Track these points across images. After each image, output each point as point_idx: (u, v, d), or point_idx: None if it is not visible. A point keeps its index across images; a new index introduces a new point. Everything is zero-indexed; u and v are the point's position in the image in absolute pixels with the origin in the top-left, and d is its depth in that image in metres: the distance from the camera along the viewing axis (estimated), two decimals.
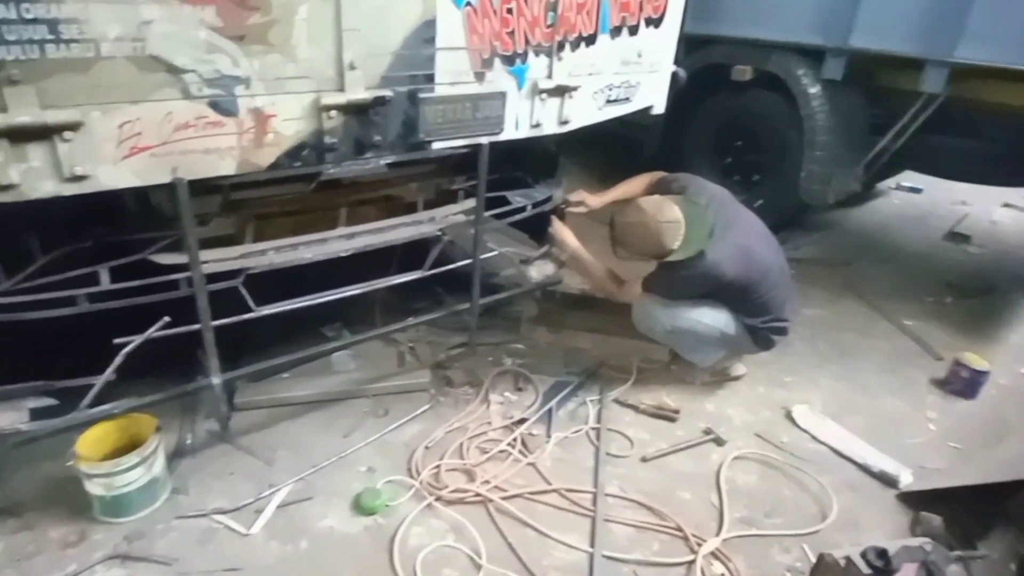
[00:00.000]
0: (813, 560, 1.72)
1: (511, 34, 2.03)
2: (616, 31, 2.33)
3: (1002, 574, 1.86)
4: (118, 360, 1.74)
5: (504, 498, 1.97)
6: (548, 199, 2.74)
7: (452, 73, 1.97)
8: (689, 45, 3.62)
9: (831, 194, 3.60)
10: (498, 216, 2.54)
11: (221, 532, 1.81)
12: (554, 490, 2.03)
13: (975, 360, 2.64)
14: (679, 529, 1.91)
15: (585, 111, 2.40)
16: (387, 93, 1.84)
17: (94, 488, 1.75)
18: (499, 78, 2.07)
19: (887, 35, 3.12)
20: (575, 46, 2.22)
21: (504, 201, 2.59)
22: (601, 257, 2.54)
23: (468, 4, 1.90)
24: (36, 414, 1.77)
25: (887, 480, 2.16)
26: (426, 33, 1.86)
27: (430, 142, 2.02)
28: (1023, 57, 2.74)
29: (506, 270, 3.21)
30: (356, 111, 1.82)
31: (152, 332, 1.78)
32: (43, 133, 1.39)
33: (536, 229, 2.93)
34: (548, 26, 2.10)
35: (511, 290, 2.80)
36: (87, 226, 1.78)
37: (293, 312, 2.05)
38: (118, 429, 1.88)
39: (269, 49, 1.62)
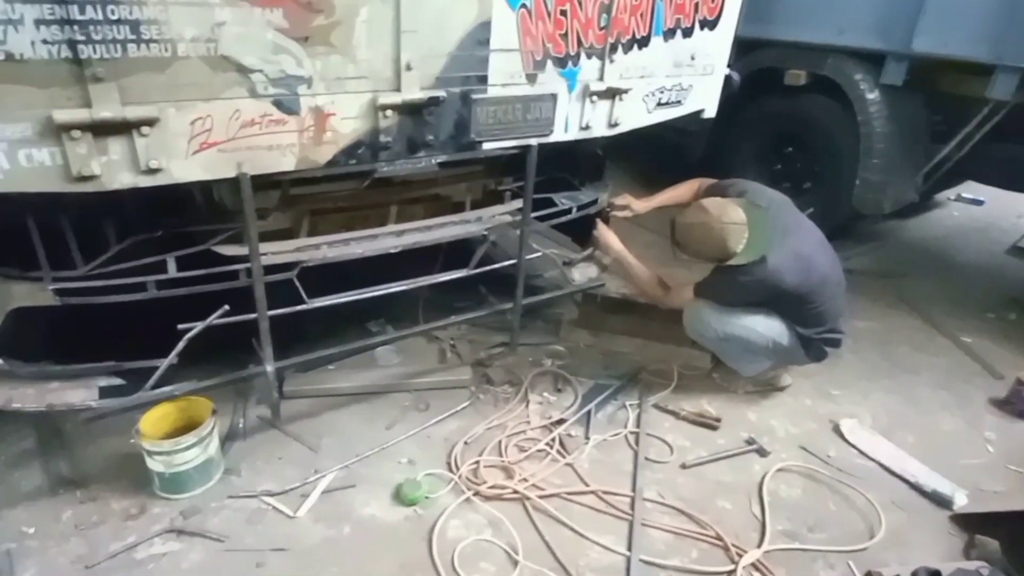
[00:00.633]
0: None
1: (564, 36, 2.05)
2: (670, 33, 2.32)
3: None
4: (181, 345, 1.83)
5: (541, 496, 1.98)
6: (593, 202, 2.74)
7: (504, 74, 2.00)
8: (740, 48, 3.56)
9: (887, 203, 3.50)
10: (544, 218, 2.56)
11: (269, 513, 1.88)
12: (592, 491, 2.03)
13: None
14: (719, 538, 1.88)
15: (635, 114, 2.40)
16: (441, 94, 1.88)
17: (155, 465, 1.84)
18: (550, 80, 2.09)
19: (953, 39, 3.01)
20: (627, 48, 2.22)
21: (550, 203, 2.61)
22: (645, 262, 2.53)
23: (523, 6, 1.92)
24: (105, 392, 1.88)
25: (940, 500, 2.09)
26: (481, 35, 1.89)
27: (480, 142, 2.05)
28: None
29: (548, 272, 3.23)
30: (411, 111, 1.86)
31: (213, 319, 1.86)
32: (123, 128, 1.48)
33: (579, 232, 2.94)
34: (601, 28, 2.10)
35: (553, 292, 2.81)
36: (157, 217, 1.88)
37: (339, 306, 2.11)
38: (177, 410, 1.98)
39: (331, 50, 1.68)
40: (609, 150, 2.91)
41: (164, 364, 1.82)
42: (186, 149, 1.58)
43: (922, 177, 3.54)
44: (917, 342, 3.05)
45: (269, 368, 1.96)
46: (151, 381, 1.82)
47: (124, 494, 1.90)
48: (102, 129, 1.45)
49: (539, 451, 2.18)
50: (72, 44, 1.36)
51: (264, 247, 1.90)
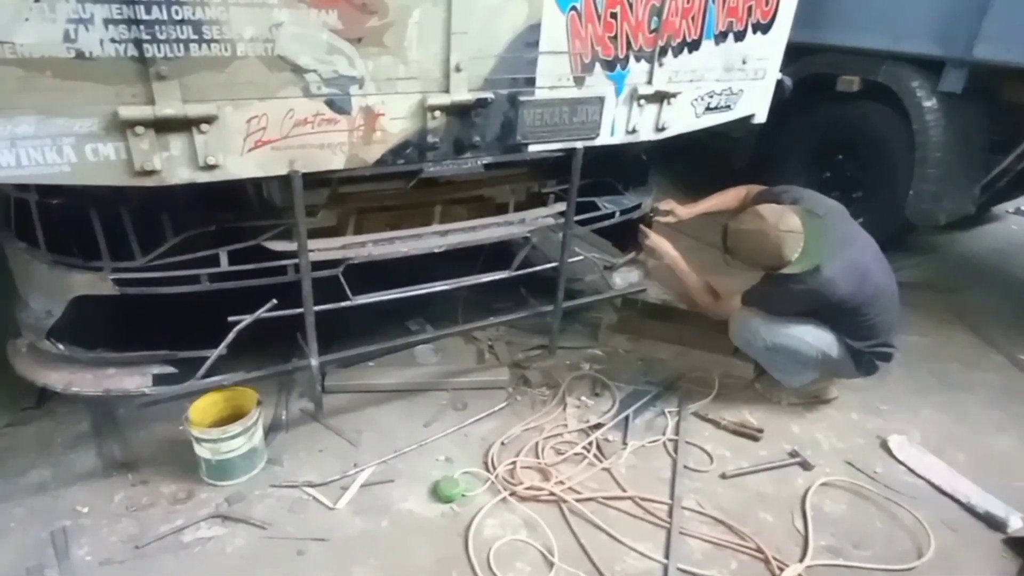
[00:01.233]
0: None
1: (613, 39, 2.03)
2: (721, 36, 2.28)
3: None
4: (231, 336, 1.88)
5: (578, 500, 1.97)
6: (637, 207, 2.72)
7: (552, 77, 1.99)
8: (790, 54, 3.49)
9: (942, 215, 3.36)
10: (587, 221, 2.55)
11: (310, 503, 1.92)
12: (629, 497, 2.01)
13: None
14: (759, 550, 1.84)
15: (683, 118, 2.36)
16: (489, 95, 1.89)
17: (202, 452, 1.90)
18: (598, 83, 2.08)
19: (1018, 46, 2.88)
20: (677, 52, 2.19)
21: (593, 206, 2.59)
22: (694, 268, 2.49)
23: (573, 8, 1.92)
24: (158, 380, 1.95)
25: (993, 523, 2.00)
26: (530, 37, 1.89)
27: (526, 144, 2.06)
28: None
29: (588, 275, 3.21)
30: (458, 112, 1.88)
31: (262, 312, 1.91)
32: (184, 125, 1.53)
33: (619, 236, 2.92)
34: (651, 31, 2.08)
35: (593, 295, 2.79)
36: (210, 212, 1.94)
37: (380, 305, 2.14)
38: (224, 400, 2.03)
39: (383, 51, 1.71)
40: (652, 154, 2.88)
41: (215, 354, 1.88)
42: (242, 146, 1.63)
43: (980, 189, 3.40)
44: (970, 358, 2.93)
45: (314, 362, 2.00)
46: (202, 371, 1.88)
47: (173, 478, 1.96)
48: (164, 126, 1.51)
49: (576, 454, 2.17)
50: (138, 43, 1.41)
51: (312, 244, 1.94)
